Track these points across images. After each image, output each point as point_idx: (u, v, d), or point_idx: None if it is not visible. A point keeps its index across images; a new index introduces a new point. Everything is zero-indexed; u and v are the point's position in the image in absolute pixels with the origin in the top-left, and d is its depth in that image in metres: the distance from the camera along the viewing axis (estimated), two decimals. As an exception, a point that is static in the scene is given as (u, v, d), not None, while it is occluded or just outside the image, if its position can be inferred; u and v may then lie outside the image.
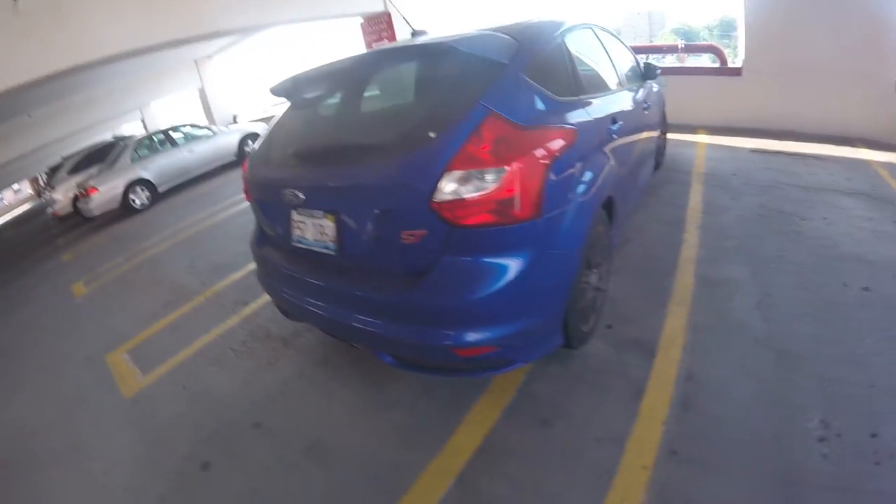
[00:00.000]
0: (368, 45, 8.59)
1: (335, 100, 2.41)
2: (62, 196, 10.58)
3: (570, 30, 2.64)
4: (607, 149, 2.39)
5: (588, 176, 2.07)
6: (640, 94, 3.44)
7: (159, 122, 18.05)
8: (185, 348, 3.49)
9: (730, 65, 6.12)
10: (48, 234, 11.35)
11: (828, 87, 5.41)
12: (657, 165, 4.56)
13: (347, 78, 2.27)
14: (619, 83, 3.10)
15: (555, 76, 2.24)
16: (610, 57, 3.09)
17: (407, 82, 2.22)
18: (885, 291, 2.61)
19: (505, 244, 1.70)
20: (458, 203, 1.63)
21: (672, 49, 7.06)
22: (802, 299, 2.62)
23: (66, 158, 11.92)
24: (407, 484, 1.92)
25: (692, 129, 6.09)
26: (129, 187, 9.40)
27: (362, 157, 1.83)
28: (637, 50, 7.74)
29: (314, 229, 1.99)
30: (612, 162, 2.38)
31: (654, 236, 3.60)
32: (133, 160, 9.70)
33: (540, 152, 1.76)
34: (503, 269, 1.68)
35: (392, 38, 8.30)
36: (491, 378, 2.34)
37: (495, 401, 2.23)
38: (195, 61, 13.78)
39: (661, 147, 4.66)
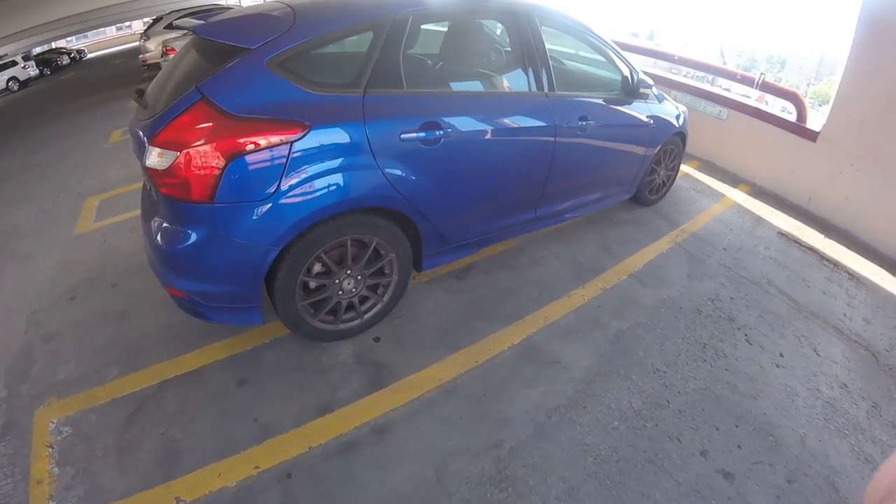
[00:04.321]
0: None
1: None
2: (153, 47, 12.16)
3: (434, 15, 2.66)
4: (410, 158, 2.35)
5: (312, 178, 2.11)
6: (601, 107, 3.25)
7: None
8: (133, 212, 4.41)
9: (806, 123, 4.99)
10: (135, 77, 13.08)
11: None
12: (639, 197, 4.23)
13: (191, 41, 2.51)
14: (527, 87, 2.88)
15: (333, 63, 2.47)
16: (528, 57, 2.86)
17: (195, 57, 2.35)
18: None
19: (185, 216, 2.05)
20: (155, 172, 1.98)
21: (748, 80, 6.11)
22: (611, 439, 2.18)
23: (169, 13, 13.39)
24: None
25: (734, 181, 5.32)
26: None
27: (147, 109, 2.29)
28: (708, 69, 7.07)
29: None
30: (413, 175, 2.37)
31: (543, 274, 3.28)
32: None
33: (229, 144, 1.92)
34: (183, 236, 2.06)
35: None
36: (235, 328, 2.76)
37: (227, 347, 2.67)
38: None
39: (652, 179, 4.25)
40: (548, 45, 2.96)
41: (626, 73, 3.44)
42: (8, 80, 20.64)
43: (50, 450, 2.13)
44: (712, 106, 5.65)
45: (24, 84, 20.94)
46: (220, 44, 2.13)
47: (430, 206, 2.51)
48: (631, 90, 3.45)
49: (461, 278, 3.21)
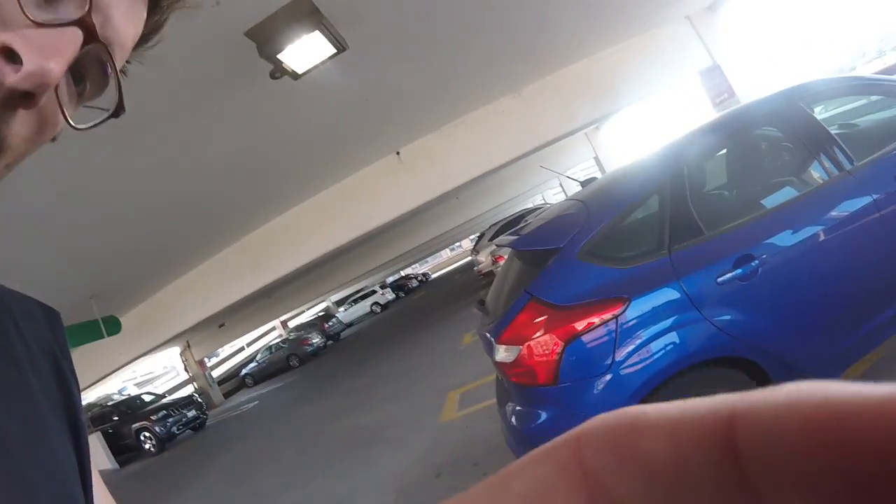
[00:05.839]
0: (713, 102, 8.64)
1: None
2: (484, 259, 14.53)
3: (705, 151, 2.75)
4: (734, 299, 2.30)
5: (643, 345, 2.22)
6: None
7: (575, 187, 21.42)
8: (490, 400, 4.97)
9: None
10: (474, 286, 15.63)
11: None
12: None
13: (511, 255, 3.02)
14: (825, 174, 2.57)
15: (632, 236, 2.60)
16: (812, 145, 2.61)
17: (519, 264, 2.81)
18: None
19: (534, 398, 2.37)
20: (504, 365, 2.37)
21: None
22: None
23: (489, 227, 16.10)
24: None
25: None
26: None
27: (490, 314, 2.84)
28: None
29: None
30: (741, 315, 2.29)
31: None
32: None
33: (562, 331, 2.21)
34: (535, 416, 2.35)
35: (731, 93, 8.13)
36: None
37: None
38: (585, 134, 16.13)
39: None
40: (823, 117, 2.69)
41: None
42: (371, 305, 27.34)
43: None
44: None
45: (384, 307, 27.32)
46: (535, 250, 2.58)
47: (768, 342, 2.31)
48: None
49: (829, 411, 2.66)
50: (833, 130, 2.66)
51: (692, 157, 2.61)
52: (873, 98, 3.02)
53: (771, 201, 2.65)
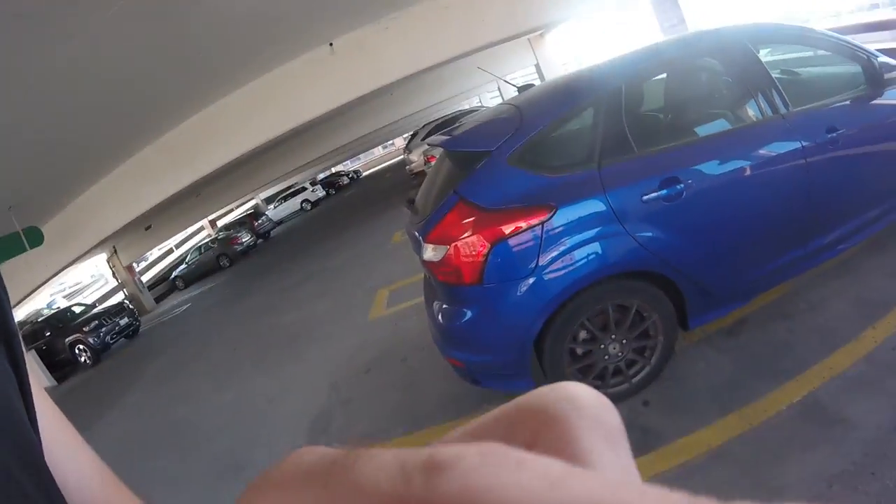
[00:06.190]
0: (663, 27, 8.72)
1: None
2: (416, 158, 14.41)
3: (645, 73, 2.75)
4: (656, 218, 2.39)
5: (566, 252, 2.30)
6: (848, 109, 2.80)
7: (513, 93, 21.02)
8: (418, 298, 5.10)
9: None
10: (405, 185, 15.55)
11: None
12: None
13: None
14: (759, 114, 2.66)
15: (564, 146, 2.63)
16: (752, 84, 2.67)
17: (449, 165, 2.78)
18: None
19: (460, 297, 2.44)
20: (432, 264, 2.43)
21: None
22: None
23: (423, 126, 15.80)
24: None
25: None
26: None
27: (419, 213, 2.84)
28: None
29: None
30: (662, 233, 2.40)
31: (825, 319, 2.81)
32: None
33: (489, 233, 2.27)
34: (460, 314, 2.44)
35: (682, 21, 8.25)
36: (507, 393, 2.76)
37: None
38: (528, 40, 15.70)
39: None
40: (768, 60, 2.77)
41: (865, 61, 2.87)
42: (301, 202, 26.80)
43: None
44: None
45: (314, 204, 26.76)
46: (466, 152, 2.56)
47: (684, 262, 2.47)
48: (876, 79, 2.84)
49: (733, 334, 2.95)
50: (775, 74, 2.72)
51: (632, 76, 2.62)
52: (820, 52, 3.06)
53: (703, 130, 2.74)
